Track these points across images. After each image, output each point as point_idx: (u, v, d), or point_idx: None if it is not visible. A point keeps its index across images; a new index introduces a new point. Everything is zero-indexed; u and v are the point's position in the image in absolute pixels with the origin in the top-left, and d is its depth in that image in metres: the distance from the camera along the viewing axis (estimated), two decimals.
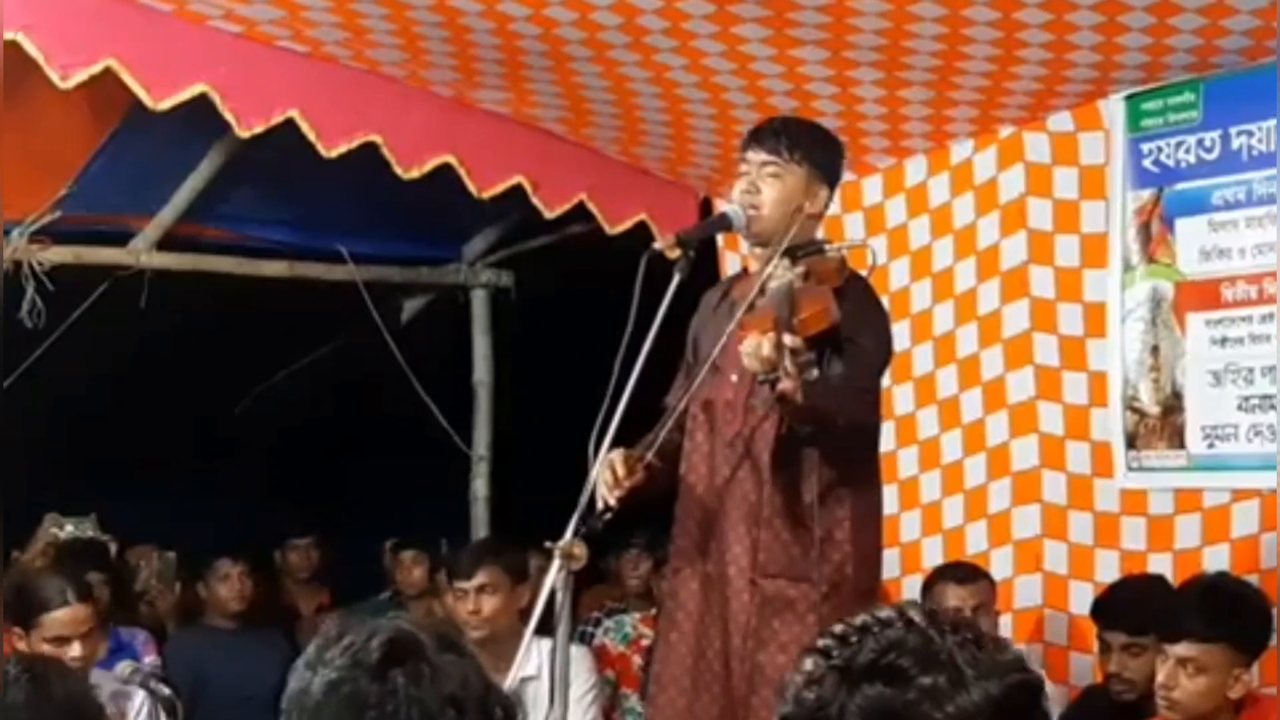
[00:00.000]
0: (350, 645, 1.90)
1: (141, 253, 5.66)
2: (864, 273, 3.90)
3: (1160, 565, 4.62)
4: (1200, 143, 4.55)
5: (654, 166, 5.74)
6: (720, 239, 5.50)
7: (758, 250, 3.86)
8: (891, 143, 5.17)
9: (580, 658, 4.79)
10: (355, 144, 5.04)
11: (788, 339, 3.31)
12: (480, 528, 6.45)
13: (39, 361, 5.43)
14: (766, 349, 3.31)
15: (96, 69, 4.54)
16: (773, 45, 4.54)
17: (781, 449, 3.68)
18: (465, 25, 4.63)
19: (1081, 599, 4.76)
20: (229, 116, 4.81)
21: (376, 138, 5.08)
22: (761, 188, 3.79)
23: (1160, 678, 3.75)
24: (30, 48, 4.41)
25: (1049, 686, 4.33)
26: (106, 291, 5.63)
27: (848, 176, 5.21)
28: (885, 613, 1.65)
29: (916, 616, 1.64)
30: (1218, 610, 3.77)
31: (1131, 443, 4.72)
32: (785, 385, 3.33)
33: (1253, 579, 4.20)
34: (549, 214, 5.62)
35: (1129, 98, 4.67)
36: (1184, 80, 4.54)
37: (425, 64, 4.99)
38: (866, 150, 5.21)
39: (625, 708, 5.57)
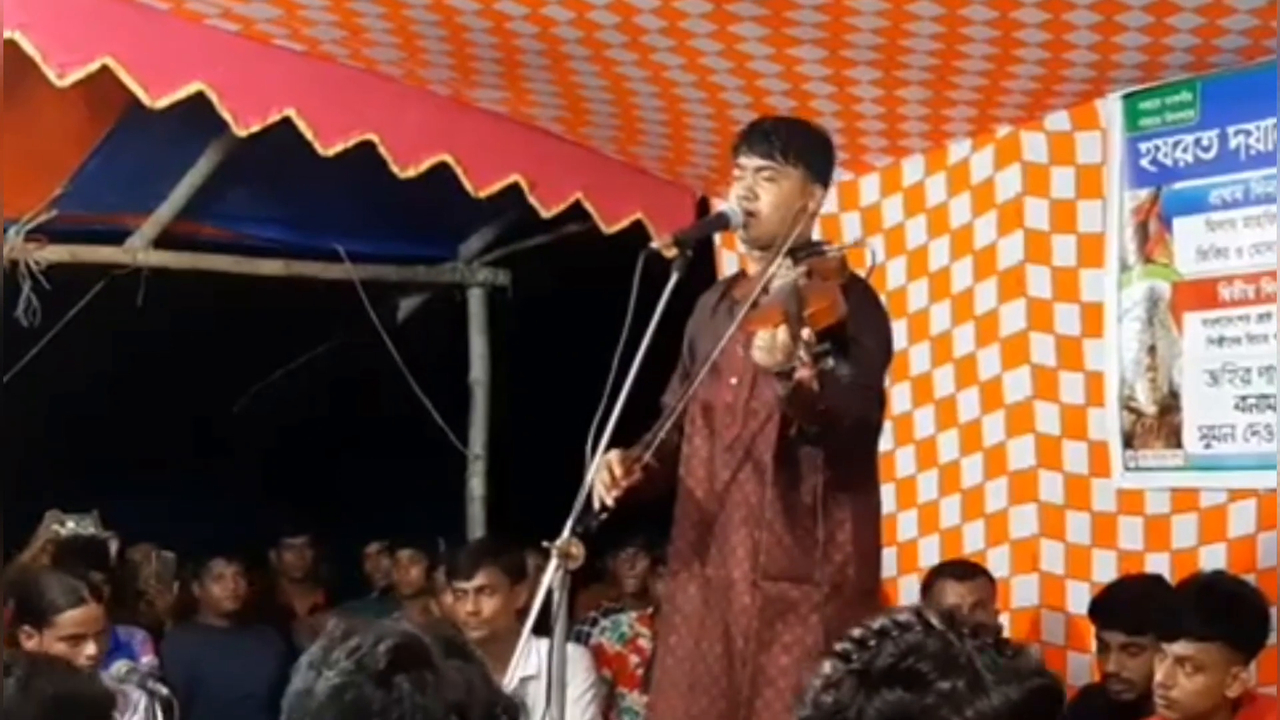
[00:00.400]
0: (356, 649, 1.88)
1: (138, 251, 5.65)
2: (863, 273, 3.90)
3: (1157, 565, 4.62)
4: (1198, 142, 4.54)
5: (651, 166, 5.73)
6: (717, 238, 5.50)
7: (756, 253, 3.85)
8: (889, 142, 5.17)
9: (578, 657, 4.79)
10: (352, 143, 5.03)
11: (806, 331, 3.30)
12: (477, 527, 6.45)
13: (35, 360, 5.42)
14: (782, 338, 3.30)
15: (93, 67, 4.53)
16: (770, 44, 4.54)
17: (783, 451, 3.67)
18: (462, 24, 4.63)
19: (1079, 599, 4.76)
20: (226, 115, 4.81)
21: (373, 136, 5.08)
22: (759, 193, 3.78)
23: (1158, 677, 3.75)
24: (27, 46, 4.41)
25: None
26: (103, 290, 5.62)
27: (845, 176, 5.23)
28: (904, 616, 1.64)
29: (936, 620, 1.63)
30: (1215, 609, 3.77)
31: (1128, 442, 4.72)
32: (803, 374, 3.30)
33: (1249, 579, 4.20)
34: (546, 213, 5.62)
35: (1126, 97, 4.67)
36: (1182, 79, 4.54)
37: (422, 63, 4.99)
38: (864, 149, 5.21)
39: (622, 707, 5.57)
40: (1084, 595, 4.71)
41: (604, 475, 3.57)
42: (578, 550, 3.43)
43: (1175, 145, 4.60)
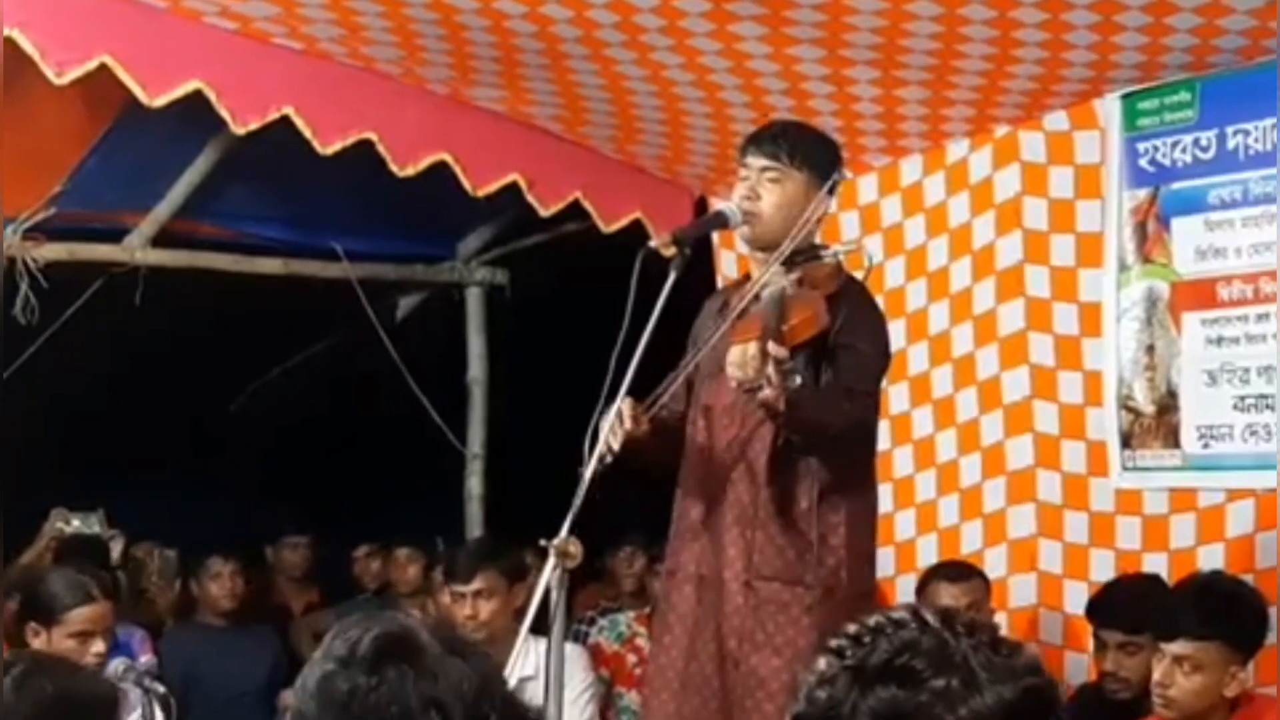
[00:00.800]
0: (348, 639, 1.90)
1: (136, 250, 5.65)
2: (860, 275, 3.90)
3: (1155, 565, 4.62)
4: (1196, 142, 4.54)
5: (649, 165, 5.73)
6: (715, 237, 5.51)
7: (759, 255, 3.86)
8: (887, 142, 5.17)
9: (576, 657, 4.79)
10: (351, 141, 5.03)
11: (771, 347, 3.32)
12: (475, 526, 6.44)
13: (33, 359, 5.41)
14: (752, 353, 3.33)
15: (92, 65, 4.53)
16: (769, 44, 4.54)
17: (778, 453, 3.69)
18: (461, 23, 4.62)
19: (1076, 598, 4.76)
20: (224, 113, 4.81)
21: (372, 135, 5.08)
22: (761, 193, 3.78)
23: (1156, 676, 3.75)
24: (25, 44, 4.41)
25: None
26: (101, 288, 5.62)
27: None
28: (899, 613, 1.63)
29: (931, 618, 1.62)
30: (1213, 609, 3.77)
31: (1127, 442, 4.72)
32: (766, 394, 3.36)
33: (1248, 579, 4.19)
34: (544, 212, 5.62)
35: (1125, 97, 4.67)
36: (1180, 79, 4.54)
37: (421, 61, 4.99)
38: (862, 149, 5.20)
39: (619, 706, 5.56)
40: (1082, 595, 4.71)
41: (614, 421, 3.55)
42: (575, 549, 3.43)
43: (1174, 145, 4.59)
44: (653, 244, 3.71)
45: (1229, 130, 4.48)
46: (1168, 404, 4.62)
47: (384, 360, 6.17)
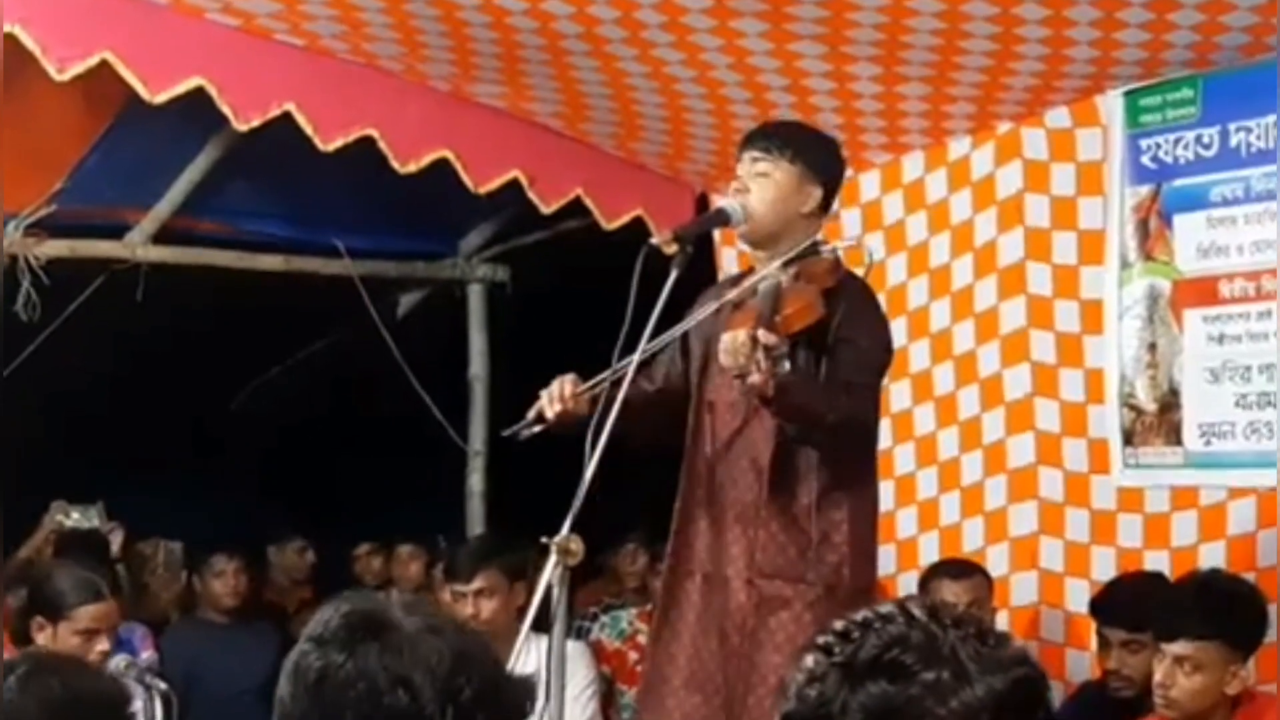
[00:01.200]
0: (321, 619, 1.92)
1: (137, 246, 5.65)
2: (861, 271, 3.89)
3: (1156, 562, 4.62)
4: (1199, 139, 4.54)
5: (651, 162, 5.73)
6: (717, 235, 5.50)
7: (759, 254, 3.85)
8: (889, 138, 5.17)
9: (578, 654, 4.78)
10: (352, 138, 5.03)
11: (762, 334, 3.32)
12: (476, 523, 6.44)
13: (34, 355, 5.42)
14: (741, 339, 3.32)
15: (93, 61, 4.53)
16: (770, 40, 4.54)
17: (780, 450, 3.68)
18: (462, 19, 4.62)
19: (1078, 596, 4.76)
20: (226, 110, 4.81)
21: (373, 132, 5.07)
22: (750, 186, 3.77)
23: (1157, 676, 3.75)
24: (27, 40, 4.41)
25: None
26: (102, 285, 5.62)
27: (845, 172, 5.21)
28: (887, 608, 1.63)
29: (919, 612, 1.62)
30: (1212, 608, 3.77)
31: (1128, 440, 4.71)
32: (755, 379, 3.35)
33: (1249, 577, 4.19)
34: (545, 209, 5.62)
35: (1127, 94, 4.66)
36: (1183, 76, 4.53)
37: (422, 58, 4.98)
38: (864, 146, 5.20)
39: (621, 704, 5.56)
40: (1083, 593, 4.70)
41: (554, 389, 3.70)
42: (577, 546, 3.42)
43: (1176, 142, 4.59)
44: (654, 241, 3.70)
45: (1231, 127, 4.47)
46: (1169, 402, 4.62)
47: (385, 357, 6.17)
